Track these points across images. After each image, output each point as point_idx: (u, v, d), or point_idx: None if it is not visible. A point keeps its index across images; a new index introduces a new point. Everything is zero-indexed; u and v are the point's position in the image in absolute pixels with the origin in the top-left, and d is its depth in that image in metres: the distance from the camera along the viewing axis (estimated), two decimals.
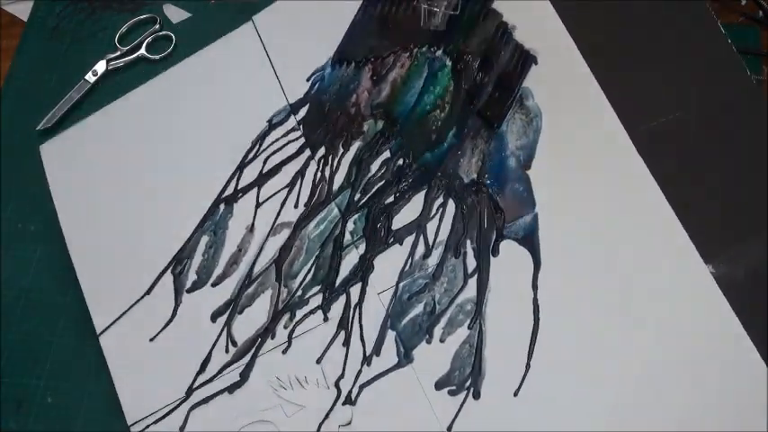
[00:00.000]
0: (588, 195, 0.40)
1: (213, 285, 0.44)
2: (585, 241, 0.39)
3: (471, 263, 0.40)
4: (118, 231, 0.46)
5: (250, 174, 0.46)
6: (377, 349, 0.40)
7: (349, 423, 0.39)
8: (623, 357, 0.37)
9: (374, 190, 0.43)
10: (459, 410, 0.38)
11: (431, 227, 0.42)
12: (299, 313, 0.42)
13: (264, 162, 0.46)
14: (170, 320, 0.43)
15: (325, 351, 0.40)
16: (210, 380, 0.41)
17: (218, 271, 0.44)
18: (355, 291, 0.41)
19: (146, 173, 0.47)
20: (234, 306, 0.43)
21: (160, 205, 0.46)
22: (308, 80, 0.47)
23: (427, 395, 0.39)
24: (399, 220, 0.42)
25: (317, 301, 0.42)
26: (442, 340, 0.39)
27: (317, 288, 0.42)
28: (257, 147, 0.46)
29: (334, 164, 0.44)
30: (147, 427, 0.41)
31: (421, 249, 0.41)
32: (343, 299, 0.41)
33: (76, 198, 0.48)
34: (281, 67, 0.48)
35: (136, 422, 0.41)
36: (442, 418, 0.38)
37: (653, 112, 0.41)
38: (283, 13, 0.49)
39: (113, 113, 0.50)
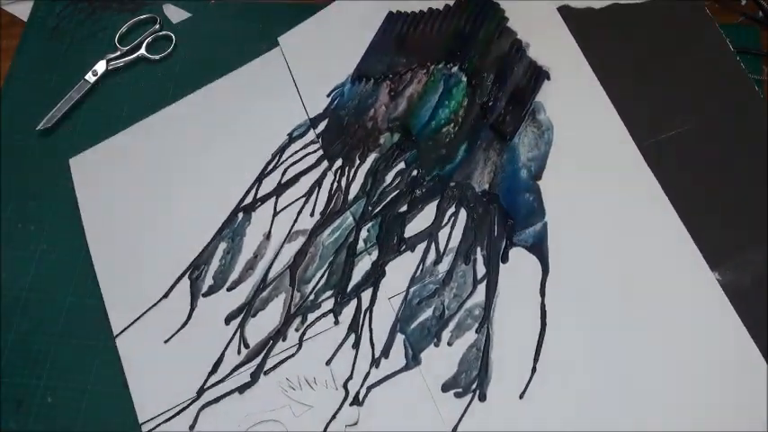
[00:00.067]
0: (597, 205, 0.53)
1: (229, 290, 0.56)
2: (594, 249, 0.52)
3: (481, 269, 0.53)
4: (139, 239, 0.60)
5: (269, 184, 0.59)
6: (385, 352, 0.51)
7: (356, 423, 0.50)
8: (629, 361, 0.49)
9: (388, 199, 0.55)
10: (465, 412, 0.49)
11: (442, 235, 0.54)
12: (311, 317, 0.54)
13: (283, 173, 0.59)
14: (185, 323, 0.56)
15: (335, 353, 0.53)
16: (222, 380, 0.54)
17: (233, 276, 0.57)
18: (366, 295, 0.54)
19: (169, 185, 0.61)
20: (248, 309, 0.55)
21: (181, 215, 0.60)
22: (328, 96, 0.61)
23: (434, 397, 0.50)
24: (412, 229, 0.55)
25: (328, 305, 0.54)
26: (449, 344, 0.51)
27: (329, 293, 0.55)
28: (277, 158, 0.60)
29: (351, 174, 0.57)
30: (158, 425, 0.52)
31: (432, 256, 0.53)
32: (354, 303, 0.54)
33: (101, 206, 0.61)
34: (304, 84, 0.62)
35: (147, 420, 0.53)
36: (448, 419, 0.50)
37: (661, 126, 0.54)
38: (307, 34, 0.64)
39: (140, 131, 0.64)
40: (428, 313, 0.52)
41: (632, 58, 0.56)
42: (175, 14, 0.72)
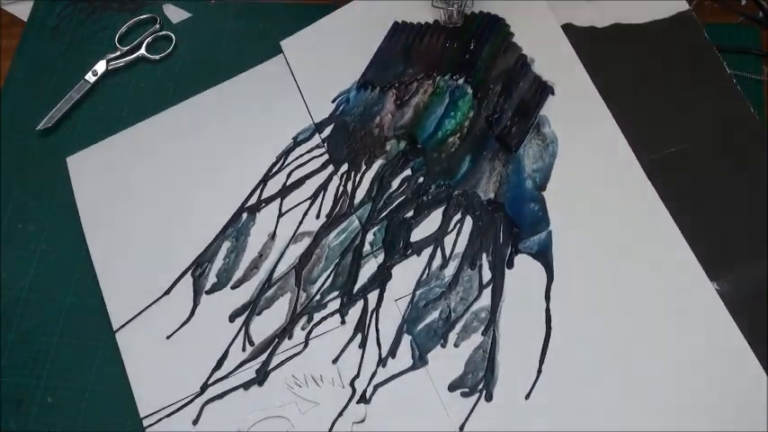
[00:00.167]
0: (600, 217, 0.57)
1: (233, 288, 0.60)
2: (597, 258, 0.56)
3: (486, 274, 0.57)
4: (138, 236, 0.63)
5: (274, 186, 0.63)
6: (392, 351, 0.56)
7: (362, 421, 0.54)
8: (631, 366, 0.53)
9: (394, 204, 0.60)
10: (472, 411, 0.53)
11: (448, 240, 0.59)
12: (317, 316, 0.58)
13: (288, 176, 0.63)
14: (188, 320, 0.59)
15: (342, 352, 0.56)
16: (226, 376, 0.57)
17: (238, 275, 0.60)
18: (373, 297, 0.58)
19: (171, 185, 0.65)
20: (252, 308, 0.59)
21: (182, 214, 0.63)
22: (333, 102, 0.66)
23: (440, 396, 0.54)
24: (418, 234, 0.59)
25: (334, 305, 0.58)
26: (456, 345, 0.55)
27: (335, 293, 0.58)
28: (282, 161, 0.64)
29: (357, 179, 0.61)
30: (160, 420, 0.56)
31: (438, 261, 0.58)
32: (360, 304, 0.58)
33: (100, 205, 0.65)
34: (307, 88, 0.67)
35: (148, 415, 0.56)
36: (455, 418, 0.54)
37: (661, 142, 0.59)
38: (309, 40, 0.69)
39: (140, 132, 0.68)
40: (434, 315, 0.56)
41: (633, 75, 0.61)
42: (175, 14, 0.76)
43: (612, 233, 0.57)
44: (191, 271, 0.61)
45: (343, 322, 0.58)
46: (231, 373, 0.57)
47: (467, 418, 0.54)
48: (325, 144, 0.64)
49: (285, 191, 0.63)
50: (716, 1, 0.66)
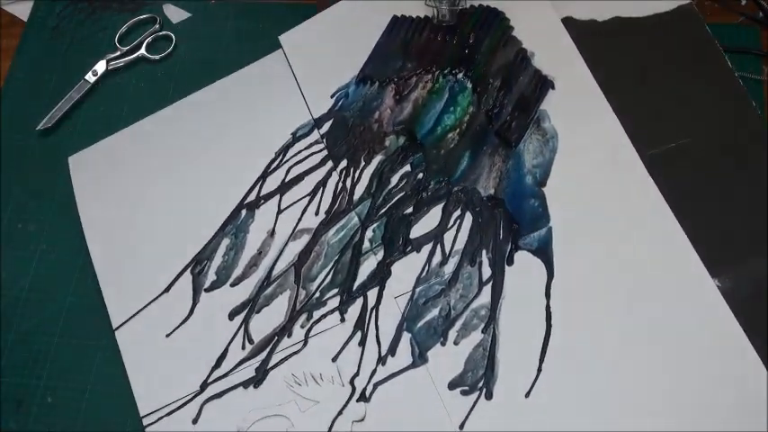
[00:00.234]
0: (601, 213, 0.57)
1: (232, 286, 0.60)
2: (598, 256, 0.56)
3: (486, 271, 0.57)
4: (138, 235, 0.63)
5: (273, 183, 0.63)
6: (392, 350, 0.55)
7: (362, 419, 0.54)
8: (631, 363, 0.53)
9: (394, 201, 0.59)
10: (472, 410, 0.53)
11: (448, 237, 0.58)
12: (317, 314, 0.58)
13: (287, 172, 0.63)
14: (187, 318, 0.59)
15: (342, 350, 0.56)
16: (226, 375, 0.57)
17: (237, 272, 0.60)
18: (372, 294, 0.57)
19: (169, 183, 0.65)
20: (252, 305, 0.58)
21: (181, 212, 0.63)
22: (332, 97, 0.65)
23: (440, 394, 0.54)
24: (417, 231, 0.59)
25: (334, 303, 0.58)
26: (456, 343, 0.55)
27: (334, 291, 0.58)
28: (281, 157, 0.63)
29: (356, 175, 0.61)
30: (160, 419, 0.56)
31: (438, 258, 0.57)
32: (360, 301, 0.57)
33: (99, 203, 0.65)
34: (306, 83, 0.66)
35: (148, 414, 0.56)
36: (455, 416, 0.53)
37: (662, 137, 0.58)
38: (308, 34, 0.68)
39: (140, 130, 0.68)
40: (434, 313, 0.56)
41: (634, 69, 0.61)
42: (175, 14, 0.76)
43: (613, 229, 0.56)
44: (190, 268, 0.61)
45: (342, 320, 0.57)
46: (231, 371, 0.57)
47: (467, 417, 0.53)
48: (324, 140, 0.64)
49: (284, 187, 0.62)
50: (716, 1, 0.66)
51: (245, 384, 0.56)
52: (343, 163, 0.62)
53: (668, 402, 0.51)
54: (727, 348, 0.52)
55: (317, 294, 0.58)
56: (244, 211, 0.62)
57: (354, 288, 0.58)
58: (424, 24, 0.66)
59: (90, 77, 0.73)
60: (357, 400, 0.55)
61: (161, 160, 0.66)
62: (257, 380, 0.56)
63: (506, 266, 0.57)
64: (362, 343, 0.56)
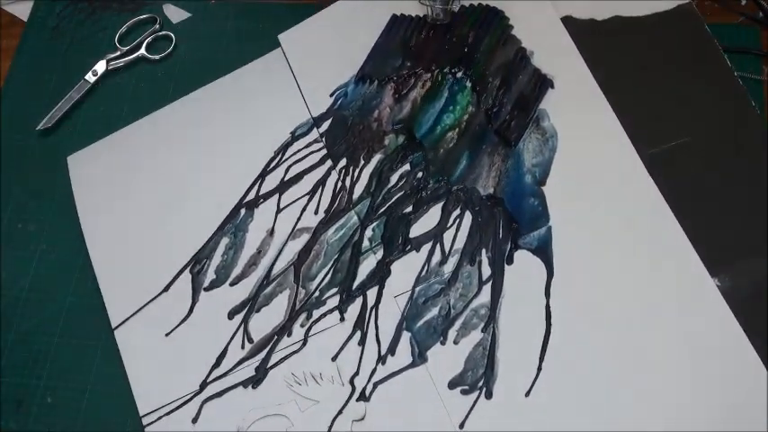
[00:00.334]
0: (601, 211, 0.56)
1: (231, 285, 0.59)
2: (598, 253, 0.55)
3: (486, 270, 0.56)
4: (137, 234, 0.63)
5: (272, 182, 0.63)
6: (392, 349, 0.55)
7: (362, 419, 0.53)
8: (631, 363, 0.52)
9: (393, 200, 0.59)
10: (472, 409, 0.53)
11: (447, 236, 0.58)
12: (316, 313, 0.57)
13: (286, 171, 0.62)
14: (186, 317, 0.59)
15: (341, 349, 0.56)
16: (225, 374, 0.56)
17: (236, 271, 0.60)
18: (372, 293, 0.57)
19: (168, 182, 0.64)
20: (251, 305, 0.58)
21: (181, 211, 0.63)
22: (331, 96, 0.65)
23: (440, 394, 0.53)
24: (417, 230, 0.59)
25: (334, 302, 0.57)
26: (455, 342, 0.55)
27: (334, 290, 0.58)
28: (280, 156, 0.63)
29: (355, 174, 0.61)
30: (160, 418, 0.55)
31: (437, 257, 0.57)
32: (359, 301, 0.57)
33: (98, 202, 0.65)
34: (305, 82, 0.66)
35: (148, 413, 0.56)
36: (454, 416, 0.53)
37: (662, 136, 0.58)
38: (307, 33, 0.68)
39: (140, 128, 0.68)
40: (434, 312, 0.55)
41: (633, 68, 0.60)
42: (175, 14, 0.75)
43: (613, 228, 0.56)
44: (189, 268, 0.60)
45: (342, 319, 0.57)
46: (230, 370, 0.57)
47: (467, 416, 0.53)
48: (324, 138, 0.63)
49: (283, 186, 0.62)
50: (716, 1, 0.66)
51: (244, 384, 0.56)
52: (343, 162, 0.62)
53: (668, 403, 0.51)
54: (728, 348, 0.52)
55: (317, 293, 0.58)
56: (243, 210, 0.62)
57: (354, 287, 0.57)
58: (423, 23, 0.66)
59: (90, 77, 0.73)
60: (357, 400, 0.54)
61: (160, 159, 0.65)
62: (257, 379, 0.56)
63: (506, 266, 0.56)
64: (362, 342, 0.56)
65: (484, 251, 0.57)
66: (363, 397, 0.54)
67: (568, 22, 0.63)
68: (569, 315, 0.54)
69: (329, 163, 0.62)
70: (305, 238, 0.60)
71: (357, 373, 0.55)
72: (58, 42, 0.75)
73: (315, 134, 0.64)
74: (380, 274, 0.57)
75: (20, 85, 0.73)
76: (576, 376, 0.53)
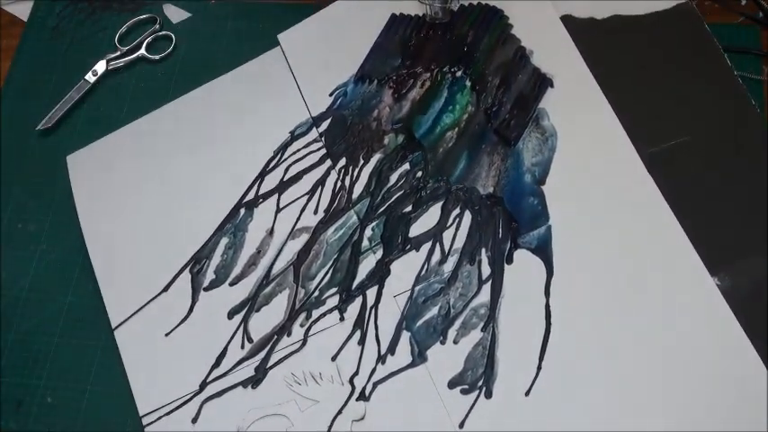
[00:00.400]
0: (600, 210, 0.56)
1: (231, 285, 0.59)
2: (597, 254, 0.55)
3: (486, 270, 0.56)
4: (137, 234, 0.63)
5: (271, 182, 0.62)
6: (391, 348, 0.55)
7: (362, 418, 0.53)
8: (631, 361, 0.52)
9: (393, 199, 0.59)
10: (472, 408, 0.53)
11: (447, 235, 0.58)
12: (316, 313, 0.57)
13: (286, 170, 0.62)
14: (186, 317, 0.59)
15: (341, 349, 0.56)
16: (225, 374, 0.56)
17: (236, 271, 0.60)
18: (371, 293, 0.57)
19: (168, 181, 0.64)
20: (251, 304, 0.58)
21: (180, 210, 0.63)
22: (330, 95, 0.65)
23: (440, 393, 0.53)
24: (416, 229, 0.58)
25: (333, 301, 0.57)
26: (455, 342, 0.54)
27: (333, 290, 0.58)
28: (279, 156, 0.63)
29: (355, 174, 0.61)
30: (159, 418, 0.55)
31: (437, 256, 0.57)
32: (359, 300, 0.57)
33: (98, 201, 0.65)
34: (305, 82, 0.66)
35: (148, 413, 0.56)
36: (454, 415, 0.53)
37: (661, 135, 0.58)
38: (307, 33, 0.68)
39: (139, 127, 0.67)
40: (434, 312, 0.55)
41: (633, 68, 0.60)
42: (175, 14, 0.75)
43: (612, 227, 0.56)
44: (189, 267, 0.60)
45: (342, 319, 0.57)
46: (230, 370, 0.57)
47: (466, 416, 0.53)
48: (323, 138, 0.63)
49: (283, 186, 0.62)
50: (716, 1, 0.66)
51: (244, 384, 0.56)
52: (342, 161, 0.62)
53: (668, 402, 0.51)
54: (728, 348, 0.51)
55: (317, 293, 0.58)
56: (242, 210, 0.62)
57: (354, 287, 0.57)
58: (422, 23, 0.65)
59: (90, 77, 0.73)
60: (357, 400, 0.54)
61: (159, 158, 0.65)
62: (257, 379, 0.56)
63: (506, 265, 0.56)
64: (362, 342, 0.56)
65: (483, 250, 0.57)
66: (363, 397, 0.54)
67: (568, 21, 0.63)
68: (569, 314, 0.54)
69: (329, 162, 0.62)
70: (304, 237, 0.60)
71: (357, 373, 0.55)
72: (57, 42, 0.75)
73: (314, 134, 0.64)
74: (380, 274, 0.57)
75: (20, 85, 0.73)
76: (575, 376, 0.52)
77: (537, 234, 0.56)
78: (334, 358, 0.56)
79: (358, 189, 0.61)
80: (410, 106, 0.63)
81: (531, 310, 0.54)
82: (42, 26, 0.76)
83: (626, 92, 0.59)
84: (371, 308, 0.57)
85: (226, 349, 0.57)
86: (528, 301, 0.55)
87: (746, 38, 0.65)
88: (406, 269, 0.57)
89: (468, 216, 0.58)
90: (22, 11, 0.77)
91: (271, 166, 0.63)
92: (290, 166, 0.63)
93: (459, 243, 0.57)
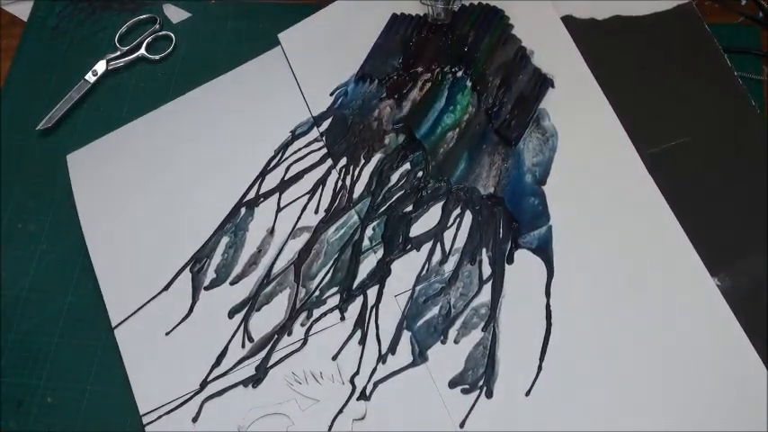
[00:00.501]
0: (601, 211, 0.56)
1: (231, 284, 0.59)
2: (598, 253, 0.55)
3: (486, 270, 0.56)
4: (138, 233, 0.63)
5: (272, 181, 0.63)
6: (392, 348, 0.55)
7: (363, 418, 0.53)
8: (631, 361, 0.52)
9: (394, 199, 0.59)
10: (472, 408, 0.53)
11: (447, 235, 0.58)
12: (317, 312, 0.57)
13: (287, 170, 0.63)
14: (187, 316, 0.59)
15: (342, 348, 0.56)
16: (225, 373, 0.56)
17: (236, 270, 0.60)
18: (372, 293, 0.57)
19: (168, 180, 0.64)
20: (251, 304, 0.58)
21: (181, 210, 0.63)
22: (331, 95, 0.65)
23: (440, 393, 0.53)
24: (417, 229, 0.59)
25: (334, 301, 0.57)
26: (456, 341, 0.55)
27: (334, 289, 0.58)
28: (280, 155, 0.63)
29: (356, 173, 0.61)
30: (160, 417, 0.55)
31: (438, 256, 0.57)
32: (360, 300, 0.57)
33: (98, 200, 0.65)
34: (305, 81, 0.66)
35: (148, 412, 0.56)
36: (455, 415, 0.53)
37: (661, 135, 0.58)
38: (307, 32, 0.68)
39: (139, 126, 0.68)
40: (434, 311, 0.55)
41: (633, 68, 0.60)
42: (175, 14, 0.76)
43: (613, 228, 0.56)
44: (189, 267, 0.60)
45: (342, 318, 0.57)
46: (231, 370, 0.57)
47: (467, 415, 0.53)
48: (324, 138, 0.64)
49: (283, 185, 0.62)
50: (716, 1, 0.66)
51: (244, 383, 0.56)
52: (343, 161, 0.62)
53: (668, 402, 0.51)
54: (728, 348, 0.52)
55: (317, 293, 0.58)
56: (243, 209, 0.62)
57: (354, 286, 0.58)
58: (423, 22, 0.66)
59: (90, 77, 0.73)
60: (357, 399, 0.54)
61: (160, 158, 0.66)
62: (257, 378, 0.56)
63: (506, 265, 0.56)
64: (362, 341, 0.56)
65: (484, 250, 0.57)
66: (364, 396, 0.54)
67: (568, 21, 0.63)
68: (569, 314, 0.54)
69: (329, 162, 0.62)
70: (305, 237, 0.60)
71: (357, 373, 0.55)
72: (57, 42, 0.75)
73: (315, 133, 0.64)
74: (381, 274, 0.57)
75: (20, 85, 0.73)
76: (576, 375, 0.52)
77: (537, 234, 0.56)
78: (334, 358, 0.56)
79: (359, 189, 0.61)
80: (411, 106, 0.63)
81: (531, 310, 0.55)
82: (42, 26, 0.76)
83: (626, 92, 0.60)
84: (372, 307, 0.57)
85: (226, 348, 0.57)
86: (528, 301, 0.55)
87: (746, 38, 0.65)
88: (406, 269, 0.57)
89: (468, 216, 0.58)
90: (22, 11, 0.77)
91: (271, 166, 0.63)
92: (290, 165, 0.63)
93: (460, 243, 0.58)
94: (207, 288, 0.60)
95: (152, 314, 0.59)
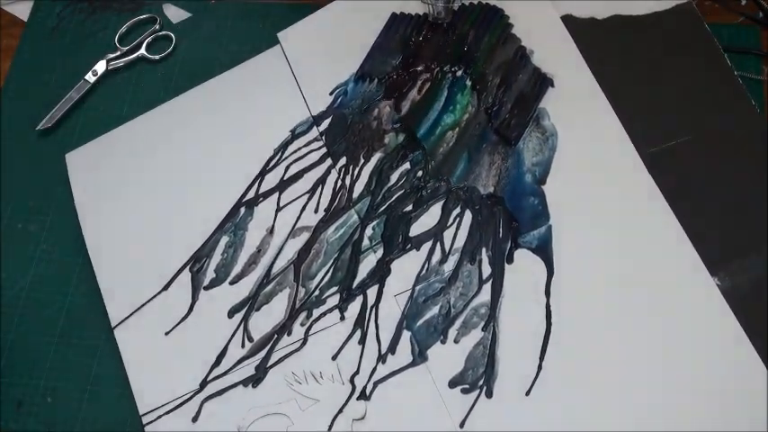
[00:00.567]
0: (601, 211, 0.56)
1: (231, 284, 0.59)
2: (598, 252, 0.55)
3: (486, 269, 0.56)
4: (137, 232, 0.63)
5: (272, 180, 0.63)
6: (392, 348, 0.55)
7: (362, 417, 0.53)
8: (631, 362, 0.52)
9: (393, 198, 0.59)
10: (472, 408, 0.53)
11: (447, 235, 0.58)
12: (316, 312, 0.57)
13: (286, 169, 0.63)
14: (186, 315, 0.59)
15: (341, 348, 0.56)
16: (225, 373, 0.56)
17: (236, 270, 0.60)
18: (372, 292, 0.57)
19: (168, 180, 0.64)
20: (251, 303, 0.58)
21: (180, 209, 0.63)
22: (330, 94, 0.65)
23: (440, 392, 0.53)
24: (417, 228, 0.59)
25: (334, 301, 0.57)
26: (456, 341, 0.55)
27: (334, 289, 0.58)
28: (279, 154, 0.63)
29: (355, 173, 0.61)
30: (159, 417, 0.55)
31: (437, 256, 0.57)
32: (359, 300, 0.57)
33: (97, 200, 0.65)
34: (305, 81, 0.66)
35: (148, 412, 0.56)
36: (455, 415, 0.53)
37: (661, 135, 0.58)
38: (307, 32, 0.68)
39: (138, 126, 0.68)
40: (434, 311, 0.55)
41: (633, 68, 0.60)
42: (175, 14, 0.76)
43: (612, 227, 0.56)
44: (189, 266, 0.60)
45: (342, 318, 0.57)
46: (230, 369, 0.57)
47: (467, 415, 0.53)
48: (323, 137, 0.63)
49: (283, 185, 0.62)
50: (716, 1, 0.66)
51: (244, 383, 0.56)
52: (343, 160, 0.62)
53: (668, 402, 0.51)
54: (727, 348, 0.52)
55: (317, 292, 0.58)
56: (243, 209, 0.62)
57: (354, 286, 0.58)
58: (423, 22, 0.66)
59: (90, 77, 0.73)
60: (357, 399, 0.54)
61: (159, 157, 0.65)
62: (257, 378, 0.56)
63: (506, 264, 0.56)
64: (362, 341, 0.56)
65: (484, 250, 0.57)
66: (364, 396, 0.54)
67: (568, 20, 0.63)
68: (569, 314, 0.54)
69: (329, 161, 0.62)
70: (305, 236, 0.60)
71: (357, 372, 0.55)
72: (57, 42, 0.75)
73: (315, 132, 0.64)
74: (380, 273, 0.57)
75: (20, 85, 0.73)
76: (576, 375, 0.52)
77: (537, 234, 0.56)
78: (334, 357, 0.56)
79: (358, 188, 0.61)
80: (410, 106, 0.63)
81: (531, 309, 0.55)
82: (42, 26, 0.76)
83: (626, 91, 0.60)
84: (372, 307, 0.57)
85: (226, 348, 0.57)
86: (528, 301, 0.55)
87: (746, 38, 0.65)
88: (406, 268, 0.57)
89: (468, 215, 0.58)
90: (22, 11, 0.77)
91: (271, 165, 0.63)
92: (290, 164, 0.63)
93: (460, 242, 0.58)
94: (206, 288, 0.60)
95: (151, 314, 0.59)
